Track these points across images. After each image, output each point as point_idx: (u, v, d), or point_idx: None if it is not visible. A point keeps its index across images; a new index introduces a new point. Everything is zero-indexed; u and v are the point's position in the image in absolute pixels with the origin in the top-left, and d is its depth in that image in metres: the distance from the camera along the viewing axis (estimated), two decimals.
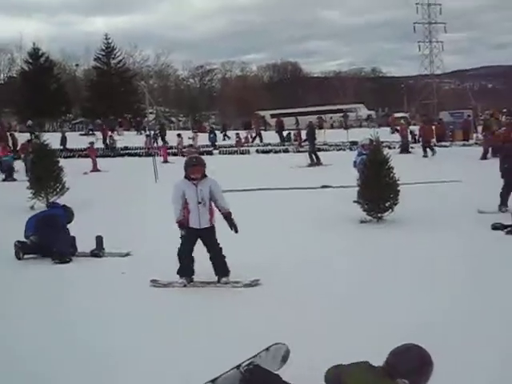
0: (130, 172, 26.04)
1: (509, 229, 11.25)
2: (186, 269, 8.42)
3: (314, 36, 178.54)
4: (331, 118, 67.92)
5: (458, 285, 8.08)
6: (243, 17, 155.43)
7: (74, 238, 10.32)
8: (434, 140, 32.08)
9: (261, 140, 41.36)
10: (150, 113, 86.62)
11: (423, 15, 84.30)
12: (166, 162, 29.89)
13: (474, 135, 36.56)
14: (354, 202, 12.53)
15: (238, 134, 37.81)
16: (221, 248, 8.43)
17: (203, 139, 39.58)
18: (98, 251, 10.24)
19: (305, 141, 28.72)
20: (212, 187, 8.39)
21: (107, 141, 38.46)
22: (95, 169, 27.22)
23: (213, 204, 8.43)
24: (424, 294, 7.73)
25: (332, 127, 59.26)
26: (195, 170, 8.36)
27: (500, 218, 12.14)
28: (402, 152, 31.00)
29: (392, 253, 10.11)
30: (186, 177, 8.43)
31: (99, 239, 10.33)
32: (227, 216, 8.48)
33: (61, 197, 15.50)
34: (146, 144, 35.01)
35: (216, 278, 8.47)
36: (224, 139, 43.87)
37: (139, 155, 32.84)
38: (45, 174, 15.49)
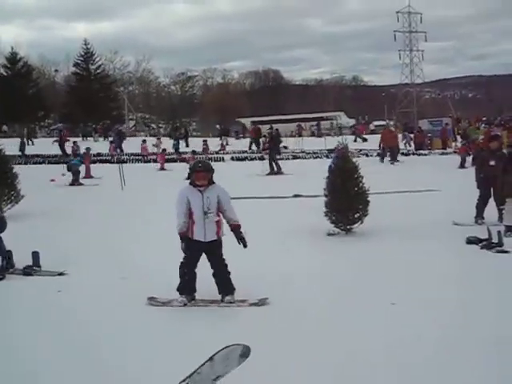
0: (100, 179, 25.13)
1: (484, 243, 10.61)
2: (187, 286, 7.64)
3: (296, 44, 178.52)
4: (312, 125, 67.51)
5: (432, 301, 7.59)
6: (225, 25, 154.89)
7: (10, 252, 9.37)
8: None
9: (258, 147, 40.36)
10: (130, 119, 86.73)
11: (404, 24, 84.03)
12: (162, 169, 28.84)
13: (453, 144, 36.18)
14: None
15: (205, 141, 36.82)
16: (226, 264, 7.67)
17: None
18: (29, 269, 9.26)
19: (267, 149, 27.76)
20: (220, 196, 7.57)
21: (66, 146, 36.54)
22: (88, 175, 25.86)
23: (221, 215, 7.64)
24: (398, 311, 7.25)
25: (313, 135, 58.85)
26: (201, 176, 7.52)
27: (476, 230, 11.50)
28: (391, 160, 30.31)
29: (359, 267, 9.45)
30: (191, 183, 7.65)
31: (35, 255, 9.42)
32: (236, 229, 7.66)
33: (15, 205, 14.69)
34: (110, 150, 34.04)
35: (220, 297, 7.72)
36: (186, 146, 42.42)
37: (110, 162, 31.77)
38: None
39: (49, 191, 20.89)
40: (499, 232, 10.60)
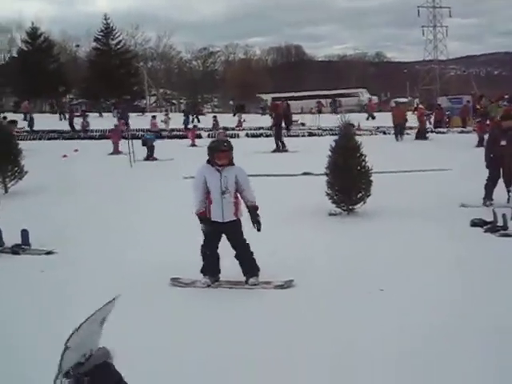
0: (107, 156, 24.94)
1: (488, 226, 10.27)
2: (210, 267, 7.54)
3: (318, 20, 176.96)
4: (329, 102, 66.71)
5: (429, 285, 7.44)
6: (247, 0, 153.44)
7: None
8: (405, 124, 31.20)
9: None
10: (152, 95, 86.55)
11: None
12: (193, 145, 27.73)
13: (473, 122, 35.45)
14: None
15: (215, 116, 36.41)
16: (248, 244, 7.50)
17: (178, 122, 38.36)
18: (17, 248, 9.11)
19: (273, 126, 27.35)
20: (238, 175, 7.43)
21: (75, 122, 36.40)
22: (116, 151, 25.58)
23: (239, 195, 7.50)
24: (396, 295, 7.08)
25: (334, 111, 58.13)
26: (223, 156, 7.36)
27: (483, 212, 11.14)
28: (417, 138, 30.21)
29: (356, 250, 9.19)
30: (209, 162, 7.44)
31: (24, 234, 9.27)
32: (253, 210, 7.52)
33: (19, 181, 14.63)
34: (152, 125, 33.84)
35: (244, 279, 7.59)
36: (193, 121, 41.87)
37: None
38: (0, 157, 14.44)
39: (59, 167, 20.69)
40: (504, 215, 10.23)
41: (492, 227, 10.17)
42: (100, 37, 77.32)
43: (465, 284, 7.51)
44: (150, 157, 23.23)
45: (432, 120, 37.29)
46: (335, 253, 8.96)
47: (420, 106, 35.93)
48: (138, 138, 30.00)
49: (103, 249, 9.36)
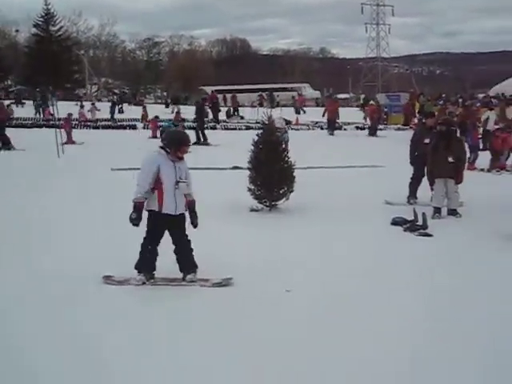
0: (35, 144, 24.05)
1: (407, 225, 10.15)
2: (147, 263, 7.16)
3: (265, 14, 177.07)
4: (278, 95, 66.64)
5: (341, 282, 7.38)
6: None
7: None
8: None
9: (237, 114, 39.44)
10: (94, 84, 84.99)
11: None
12: (154, 137, 26.06)
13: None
14: None
15: (144, 107, 35.68)
16: (190, 240, 7.23)
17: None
18: None
19: (195, 119, 26.82)
20: (187, 170, 7.21)
21: None
22: (70, 141, 24.59)
23: None
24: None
25: (277, 105, 57.98)
26: (186, 150, 7.15)
27: (407, 210, 10.96)
28: (370, 135, 30.49)
29: (269, 247, 8.91)
30: (166, 151, 7.05)
31: None
32: (191, 205, 7.25)
33: None
34: (45, 115, 32.90)
35: (181, 275, 7.28)
36: (119, 112, 40.96)
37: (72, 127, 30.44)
38: None
39: None
40: (424, 214, 10.15)
41: (411, 226, 10.06)
42: (40, 22, 75.34)
43: (372, 282, 7.38)
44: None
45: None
46: (252, 251, 8.67)
47: (371, 102, 36.01)
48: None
49: (23, 247, 8.85)
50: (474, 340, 5.68)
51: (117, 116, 37.57)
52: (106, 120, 35.24)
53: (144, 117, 34.06)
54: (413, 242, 9.39)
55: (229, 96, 54.08)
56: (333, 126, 30.70)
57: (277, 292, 6.96)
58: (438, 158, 11.08)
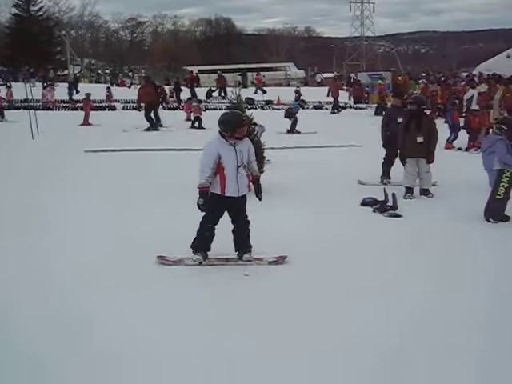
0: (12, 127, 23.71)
1: (376, 206, 10.02)
2: (204, 243, 7.27)
3: None
4: (263, 75, 66.30)
5: (303, 264, 7.32)
6: None
7: None
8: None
9: (194, 96, 38.30)
10: (76, 65, 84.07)
11: None
12: (189, 119, 24.56)
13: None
14: None
15: (108, 88, 35.08)
16: (249, 221, 7.36)
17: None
18: None
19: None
20: (250, 148, 7.28)
21: None
22: (86, 122, 24.43)
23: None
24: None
25: (264, 85, 57.59)
26: (243, 130, 7.11)
27: (380, 190, 10.82)
28: (333, 112, 31.12)
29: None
30: (223, 135, 7.04)
31: None
32: (257, 181, 7.46)
33: None
34: (42, 96, 32.40)
35: (236, 254, 7.43)
36: (76, 92, 39.93)
37: (36, 108, 30.09)
38: None
39: None
40: (394, 194, 10.01)
41: (380, 207, 9.94)
42: (20, 2, 74.12)
43: (333, 264, 7.33)
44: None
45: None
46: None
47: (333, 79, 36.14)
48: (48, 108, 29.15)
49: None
50: (455, 319, 5.75)
51: (75, 96, 36.32)
52: (63, 101, 34.02)
53: (109, 97, 33.45)
54: (381, 223, 9.28)
55: (213, 76, 53.51)
56: (337, 105, 31.28)
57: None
58: (408, 137, 10.93)
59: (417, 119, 10.96)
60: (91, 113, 25.53)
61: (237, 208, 7.22)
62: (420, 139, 10.83)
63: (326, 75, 66.07)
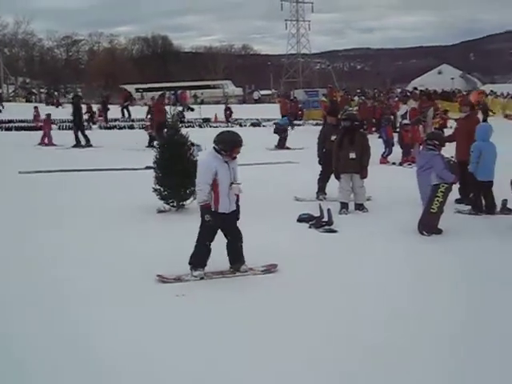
0: None
1: (313, 222, 10.14)
2: (203, 259, 7.48)
3: (186, 10, 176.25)
4: (202, 93, 66.47)
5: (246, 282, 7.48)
6: None
7: None
8: None
9: (129, 115, 37.81)
10: (11, 83, 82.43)
11: None
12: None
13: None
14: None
15: (36, 107, 34.57)
16: (241, 233, 7.66)
17: None
18: None
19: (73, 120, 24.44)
20: (236, 167, 7.58)
21: None
22: (44, 141, 23.74)
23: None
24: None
25: (202, 103, 57.66)
26: (239, 150, 7.46)
27: (315, 207, 10.93)
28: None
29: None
30: (218, 152, 7.35)
31: None
32: (237, 200, 7.69)
33: None
34: None
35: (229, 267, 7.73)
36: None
37: None
38: None
39: None
40: (329, 210, 10.16)
41: (316, 222, 10.05)
42: None
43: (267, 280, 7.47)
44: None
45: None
46: (149, 252, 8.54)
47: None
48: None
49: None
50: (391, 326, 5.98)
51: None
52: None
53: (36, 118, 32.96)
54: (316, 239, 9.39)
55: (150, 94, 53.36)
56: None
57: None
58: (342, 153, 11.11)
59: (350, 135, 11.16)
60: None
61: (229, 223, 7.51)
62: (353, 155, 11.02)
63: (263, 92, 66.79)
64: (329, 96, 36.33)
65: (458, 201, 11.59)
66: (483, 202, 11.01)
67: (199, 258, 7.46)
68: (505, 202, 10.85)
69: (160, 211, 11.20)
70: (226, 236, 7.59)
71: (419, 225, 9.52)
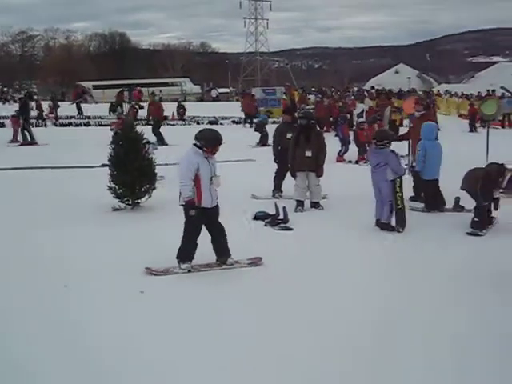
0: None
1: (268, 220, 10.16)
2: (189, 253, 7.75)
3: (144, 7, 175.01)
4: (160, 91, 65.90)
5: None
6: None
7: None
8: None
9: (80, 113, 37.10)
10: None
11: None
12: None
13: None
14: None
15: None
16: (223, 227, 7.91)
17: None
18: None
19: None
20: (215, 163, 7.87)
21: None
22: (15, 140, 23.18)
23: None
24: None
25: (161, 100, 57.17)
26: (219, 148, 7.77)
27: (271, 204, 10.95)
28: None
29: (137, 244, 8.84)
30: (199, 148, 7.63)
31: None
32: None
33: None
34: None
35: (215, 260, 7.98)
36: None
37: None
38: None
39: None
40: (284, 208, 10.20)
41: (272, 220, 10.08)
42: None
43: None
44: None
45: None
46: (109, 251, 8.56)
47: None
48: None
49: None
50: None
51: None
52: None
53: None
54: (272, 236, 9.41)
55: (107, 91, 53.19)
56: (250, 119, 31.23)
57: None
58: (298, 151, 11.15)
59: (306, 134, 11.20)
60: None
61: (211, 217, 7.76)
62: (309, 153, 11.07)
63: (221, 90, 66.57)
64: (288, 94, 36.55)
65: (412, 198, 11.73)
66: (435, 200, 11.18)
67: (186, 253, 7.71)
68: (457, 199, 11.01)
69: (115, 209, 11.10)
70: (209, 231, 7.81)
71: (396, 224, 9.72)
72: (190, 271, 7.69)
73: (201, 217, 7.64)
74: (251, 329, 5.95)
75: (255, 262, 8.01)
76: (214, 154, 7.72)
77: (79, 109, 35.58)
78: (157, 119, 23.19)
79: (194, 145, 7.66)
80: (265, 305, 6.60)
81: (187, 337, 5.77)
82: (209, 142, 7.63)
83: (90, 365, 5.21)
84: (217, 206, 7.84)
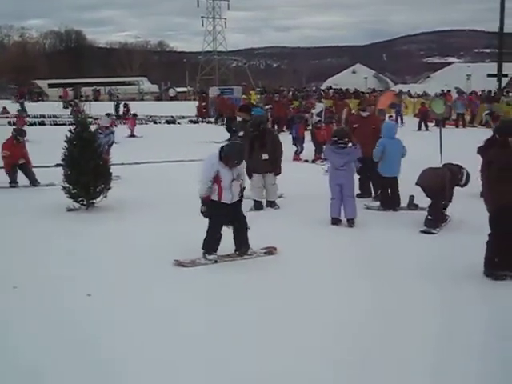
0: None
1: None
2: (215, 244, 8.17)
3: (100, 5, 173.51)
4: (117, 89, 65.36)
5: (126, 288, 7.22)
6: None
7: None
8: None
9: (24, 111, 36.56)
10: None
11: None
12: (132, 136, 26.04)
13: None
14: None
15: None
16: (246, 219, 8.37)
17: None
18: None
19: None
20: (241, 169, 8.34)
21: None
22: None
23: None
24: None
25: (118, 99, 56.66)
26: (236, 166, 8.08)
27: None
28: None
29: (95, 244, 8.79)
30: (221, 159, 7.99)
31: None
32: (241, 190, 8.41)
33: None
34: None
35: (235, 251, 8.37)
36: None
37: None
38: None
39: None
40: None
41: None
42: None
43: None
44: None
45: None
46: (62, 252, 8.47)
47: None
48: None
49: None
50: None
51: None
52: None
53: None
54: (228, 235, 9.39)
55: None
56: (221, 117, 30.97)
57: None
58: (254, 155, 11.06)
59: (260, 140, 11.19)
60: None
61: (233, 210, 8.20)
62: (265, 156, 11.12)
63: (179, 90, 66.34)
64: (246, 94, 36.69)
65: (358, 196, 11.69)
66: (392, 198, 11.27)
67: (211, 244, 8.12)
68: (412, 198, 11.12)
69: (69, 209, 10.96)
70: (232, 224, 8.26)
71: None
72: (216, 261, 8.08)
73: (221, 211, 8.05)
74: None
75: (270, 251, 8.47)
76: (229, 166, 7.98)
77: (22, 107, 35.09)
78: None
79: (219, 152, 7.99)
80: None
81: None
82: (226, 155, 7.95)
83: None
84: (239, 201, 8.26)
